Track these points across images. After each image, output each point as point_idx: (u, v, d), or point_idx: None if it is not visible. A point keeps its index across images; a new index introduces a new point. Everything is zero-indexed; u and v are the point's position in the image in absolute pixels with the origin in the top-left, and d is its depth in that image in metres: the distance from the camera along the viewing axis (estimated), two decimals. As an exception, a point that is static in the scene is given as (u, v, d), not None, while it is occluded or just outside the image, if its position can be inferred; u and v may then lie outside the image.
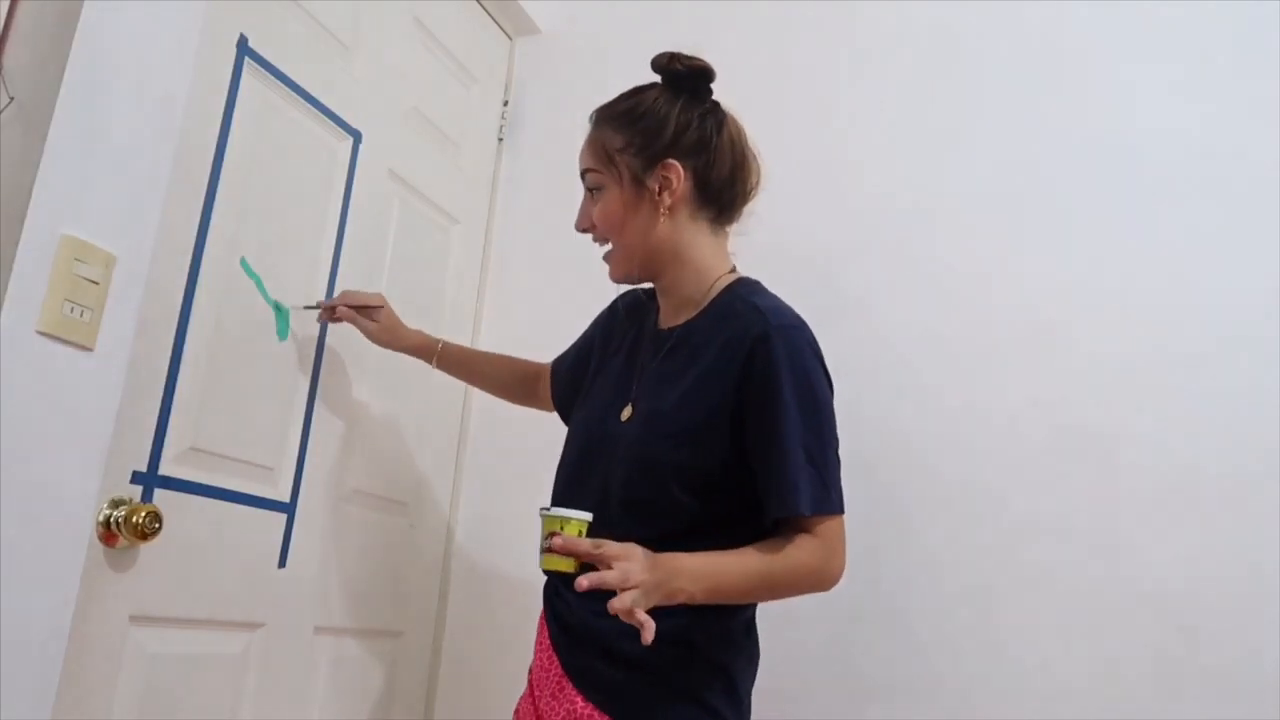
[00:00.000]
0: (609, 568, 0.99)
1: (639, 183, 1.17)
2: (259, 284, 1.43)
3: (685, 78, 1.21)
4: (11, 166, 1.01)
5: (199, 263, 1.33)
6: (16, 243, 1.00)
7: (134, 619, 1.23)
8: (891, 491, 1.61)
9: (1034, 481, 1.53)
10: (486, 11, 2.05)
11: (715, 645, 1.13)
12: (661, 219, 1.17)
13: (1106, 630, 1.44)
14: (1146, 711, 1.39)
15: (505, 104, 2.11)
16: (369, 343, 1.67)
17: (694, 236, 1.20)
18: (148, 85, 1.14)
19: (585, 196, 1.24)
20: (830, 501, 1.09)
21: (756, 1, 1.93)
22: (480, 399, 1.94)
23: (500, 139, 2.09)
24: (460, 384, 1.93)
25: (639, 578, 0.98)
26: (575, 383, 1.37)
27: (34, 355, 1.01)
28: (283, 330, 1.48)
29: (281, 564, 1.47)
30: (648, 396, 1.18)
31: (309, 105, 1.54)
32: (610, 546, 1.00)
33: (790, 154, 1.82)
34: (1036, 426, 1.54)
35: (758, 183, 1.24)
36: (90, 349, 1.07)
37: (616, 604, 0.97)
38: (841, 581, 1.57)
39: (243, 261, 1.40)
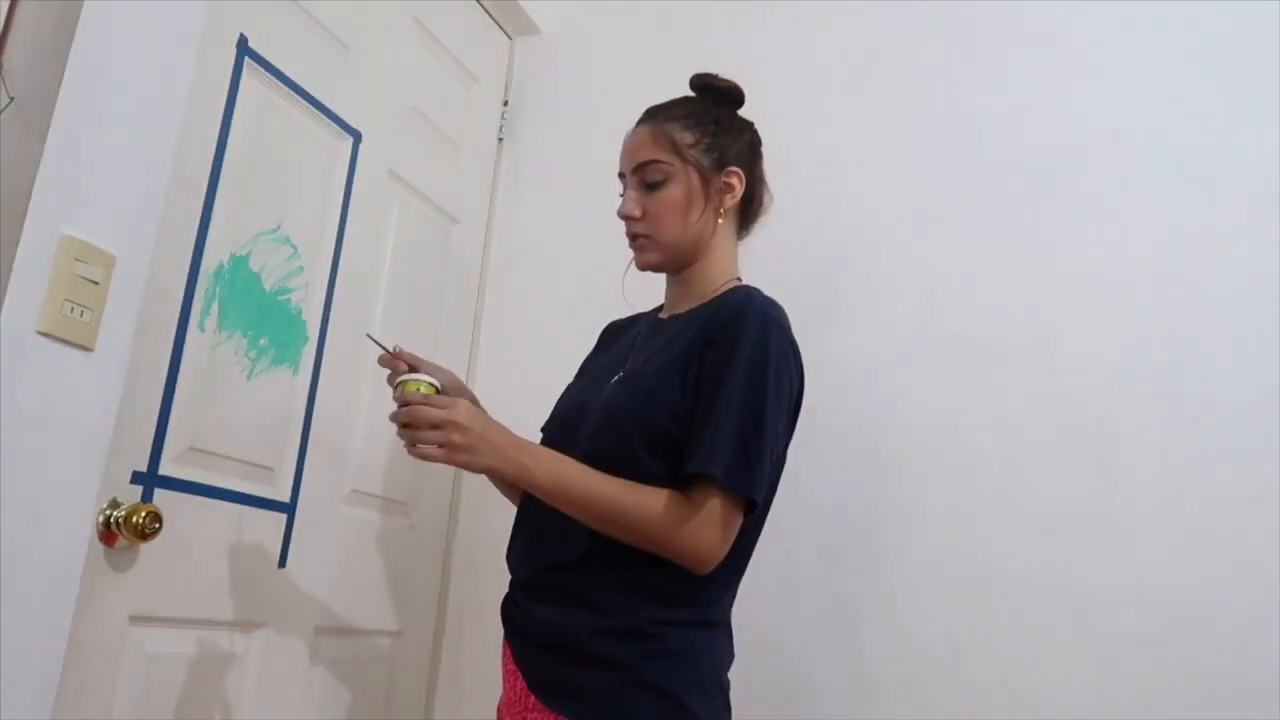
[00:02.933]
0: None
1: (705, 181, 1.23)
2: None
3: (727, 93, 1.29)
4: (11, 166, 1.01)
5: (199, 263, 1.33)
6: (16, 243, 1.00)
7: (134, 619, 1.23)
8: (892, 491, 1.61)
9: (1035, 481, 1.53)
10: (486, 11, 2.05)
11: (686, 637, 1.11)
12: (718, 220, 1.24)
13: (1106, 630, 1.44)
14: (1146, 711, 1.39)
15: (505, 104, 2.11)
16: (369, 341, 1.67)
17: (726, 240, 1.27)
18: (148, 85, 1.14)
19: (634, 187, 1.25)
20: (745, 483, 1.07)
21: (754, 3, 1.94)
22: (481, 398, 1.94)
23: (500, 139, 2.09)
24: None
25: (447, 420, 1.03)
26: None
27: (34, 355, 1.01)
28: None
29: (281, 564, 1.47)
30: (634, 364, 1.22)
31: (309, 105, 1.54)
32: (435, 399, 1.06)
33: (790, 153, 1.83)
34: (1037, 426, 1.54)
35: (771, 200, 1.32)
36: (90, 349, 1.07)
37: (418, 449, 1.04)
38: (842, 581, 1.60)
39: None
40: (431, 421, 1.03)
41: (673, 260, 1.26)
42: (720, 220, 1.24)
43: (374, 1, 1.70)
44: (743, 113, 1.31)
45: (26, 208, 1.00)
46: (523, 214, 2.06)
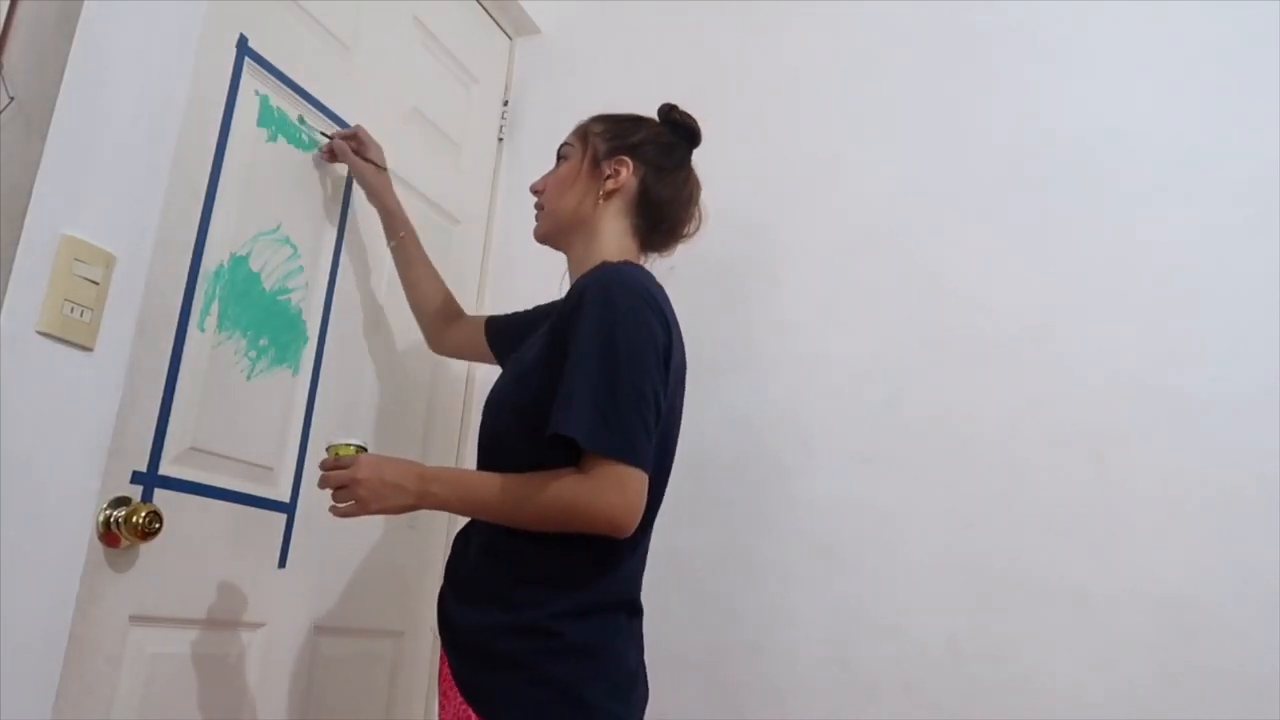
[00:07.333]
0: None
1: (596, 163, 1.32)
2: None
3: (677, 123, 1.37)
4: (11, 166, 1.01)
5: (199, 263, 1.33)
6: (16, 243, 1.00)
7: (134, 619, 1.23)
8: (892, 491, 1.61)
9: (1035, 480, 1.53)
10: (486, 11, 2.05)
11: (587, 628, 1.12)
12: (599, 200, 1.30)
13: (1106, 630, 1.44)
14: (1146, 711, 1.39)
15: (505, 104, 2.11)
16: (370, 341, 1.68)
17: (614, 227, 1.31)
18: (148, 85, 1.14)
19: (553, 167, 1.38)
20: (610, 442, 1.07)
21: (755, 3, 1.94)
22: (481, 398, 1.94)
23: (500, 139, 2.09)
24: (462, 384, 1.93)
25: (350, 478, 1.14)
26: (515, 339, 1.46)
27: (34, 355, 1.01)
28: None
29: (281, 564, 1.47)
30: (522, 350, 1.28)
31: (309, 105, 1.54)
32: (342, 459, 1.15)
33: (790, 153, 1.83)
34: (1037, 426, 1.54)
35: (692, 232, 1.36)
36: (90, 349, 1.07)
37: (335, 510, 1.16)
38: (842, 581, 1.60)
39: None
40: (337, 485, 1.15)
41: (555, 233, 1.35)
42: (601, 202, 1.30)
43: (374, 1, 1.70)
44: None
45: (26, 208, 1.00)
46: (523, 214, 2.05)
